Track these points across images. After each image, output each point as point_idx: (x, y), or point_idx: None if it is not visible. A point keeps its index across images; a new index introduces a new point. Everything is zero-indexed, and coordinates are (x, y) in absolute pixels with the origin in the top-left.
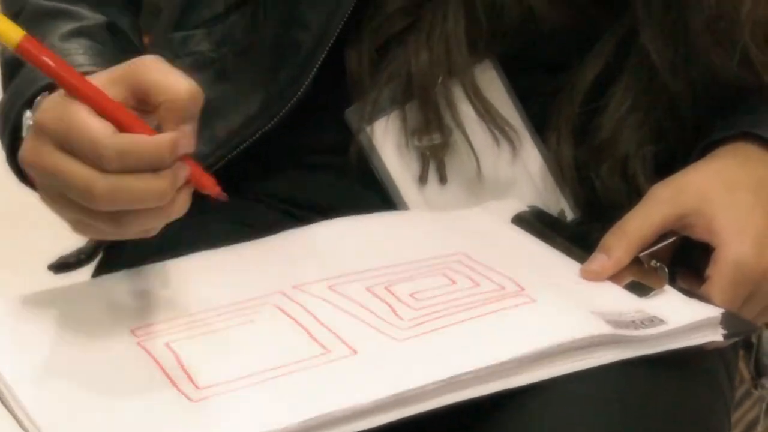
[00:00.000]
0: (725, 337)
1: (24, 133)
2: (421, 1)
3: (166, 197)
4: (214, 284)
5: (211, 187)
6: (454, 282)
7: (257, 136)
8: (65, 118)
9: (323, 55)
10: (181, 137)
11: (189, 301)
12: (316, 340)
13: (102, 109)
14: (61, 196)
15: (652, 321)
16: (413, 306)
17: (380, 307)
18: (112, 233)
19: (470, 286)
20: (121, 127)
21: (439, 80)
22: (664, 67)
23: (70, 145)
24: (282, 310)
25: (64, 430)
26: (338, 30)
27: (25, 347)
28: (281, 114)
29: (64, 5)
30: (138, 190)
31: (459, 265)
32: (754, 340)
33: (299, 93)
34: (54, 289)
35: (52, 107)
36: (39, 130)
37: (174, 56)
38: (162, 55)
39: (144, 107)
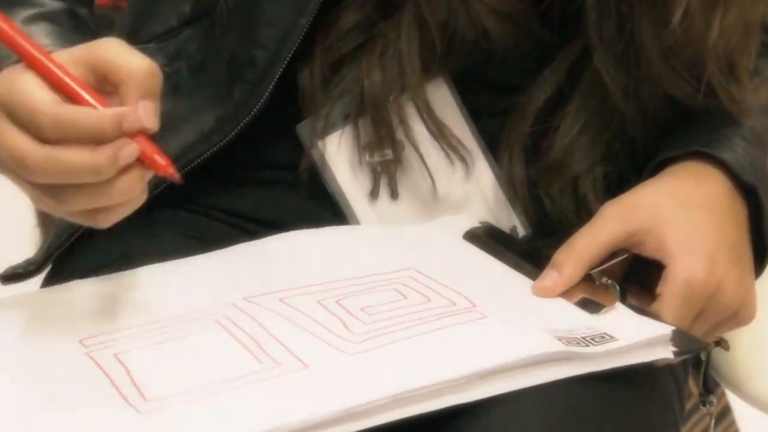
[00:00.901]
0: (675, 354)
1: None
2: (375, 20)
3: (102, 173)
4: (166, 296)
5: (163, 167)
6: (405, 297)
7: (211, 152)
8: (13, 88)
9: (278, 74)
10: (130, 113)
11: (140, 312)
12: (266, 353)
13: (58, 84)
14: (5, 166)
15: (603, 338)
16: (364, 320)
17: (331, 321)
18: (56, 209)
19: (422, 301)
20: (77, 103)
21: (392, 98)
22: (616, 89)
23: (14, 114)
24: (233, 322)
25: None
26: (293, 49)
27: None
28: (235, 131)
29: None
30: (72, 161)
31: (411, 281)
32: (703, 357)
33: (254, 110)
34: (4, 298)
35: (4, 79)
36: None
37: None
38: None
39: (106, 88)
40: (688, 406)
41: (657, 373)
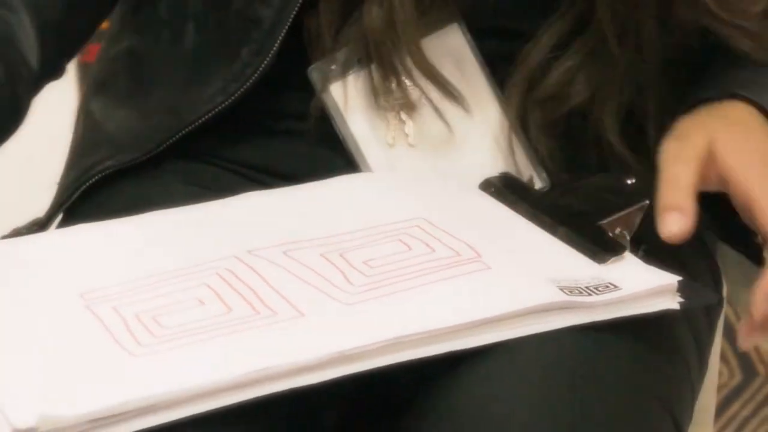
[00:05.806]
0: (682, 305)
1: None
2: None
3: None
4: (169, 246)
5: None
6: (410, 248)
7: (216, 111)
8: None
9: (283, 33)
10: None
11: (142, 264)
12: (264, 303)
13: None
14: None
15: (607, 287)
16: (366, 273)
17: (332, 273)
18: None
19: (426, 252)
20: None
21: (398, 42)
22: (612, 36)
23: None
24: (234, 274)
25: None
26: (297, 7)
27: None
28: (241, 90)
29: None
30: None
31: (417, 230)
32: None
33: (259, 70)
34: (8, 240)
35: None
36: None
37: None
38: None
39: None
40: (729, 388)
41: (671, 324)
